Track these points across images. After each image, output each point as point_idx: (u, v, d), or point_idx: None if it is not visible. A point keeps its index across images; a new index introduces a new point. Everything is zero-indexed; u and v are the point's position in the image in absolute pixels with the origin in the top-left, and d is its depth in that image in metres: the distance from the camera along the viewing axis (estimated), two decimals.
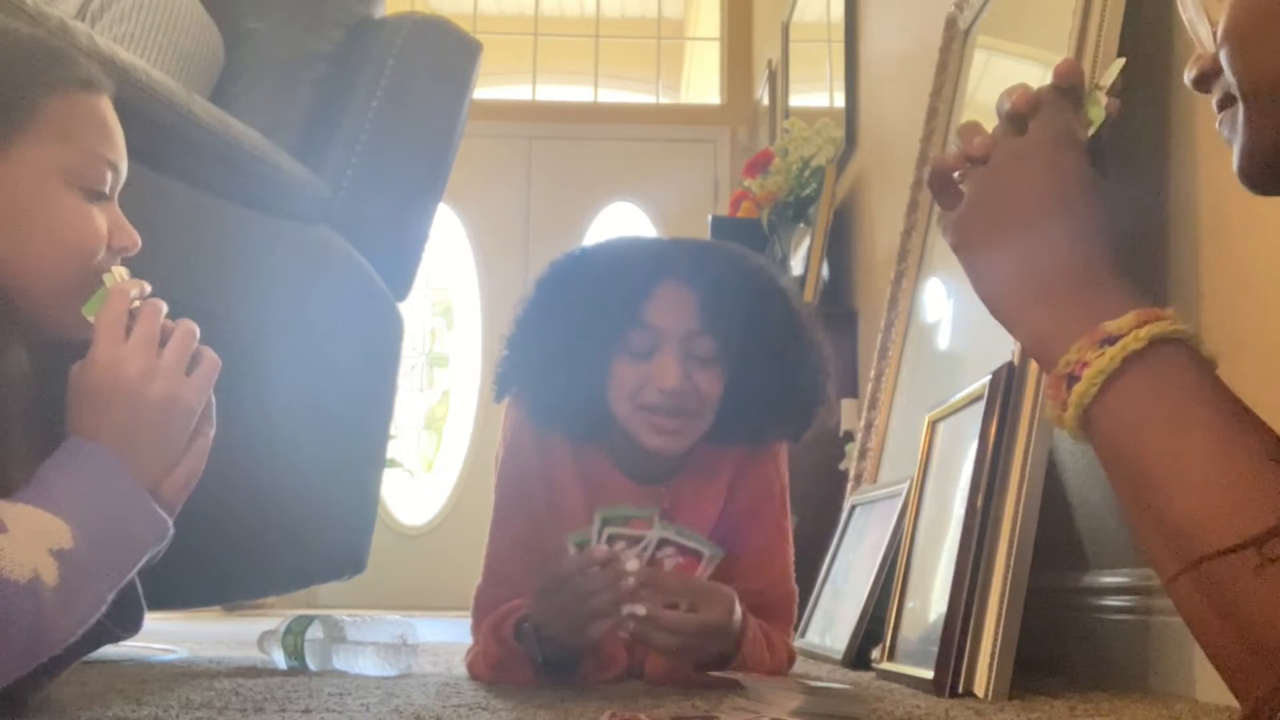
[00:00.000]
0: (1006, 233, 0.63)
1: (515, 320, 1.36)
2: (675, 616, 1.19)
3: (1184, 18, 0.62)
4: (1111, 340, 0.56)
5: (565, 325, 1.31)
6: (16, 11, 1.11)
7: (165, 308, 0.88)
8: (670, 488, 1.37)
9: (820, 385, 1.37)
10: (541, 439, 1.36)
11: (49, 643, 0.76)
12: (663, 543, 1.30)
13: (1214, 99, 0.60)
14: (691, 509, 1.36)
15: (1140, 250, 1.44)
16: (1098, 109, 0.66)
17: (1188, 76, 0.62)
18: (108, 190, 0.91)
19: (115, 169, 0.91)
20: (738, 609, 1.25)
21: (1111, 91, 0.66)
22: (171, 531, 0.86)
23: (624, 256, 1.34)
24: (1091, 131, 0.65)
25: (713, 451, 1.36)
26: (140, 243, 0.93)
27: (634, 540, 1.30)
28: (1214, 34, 0.57)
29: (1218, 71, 0.58)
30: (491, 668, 1.30)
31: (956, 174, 0.68)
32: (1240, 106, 0.57)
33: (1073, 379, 0.57)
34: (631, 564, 1.18)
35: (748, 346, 1.30)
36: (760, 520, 1.39)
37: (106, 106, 0.92)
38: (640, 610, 1.17)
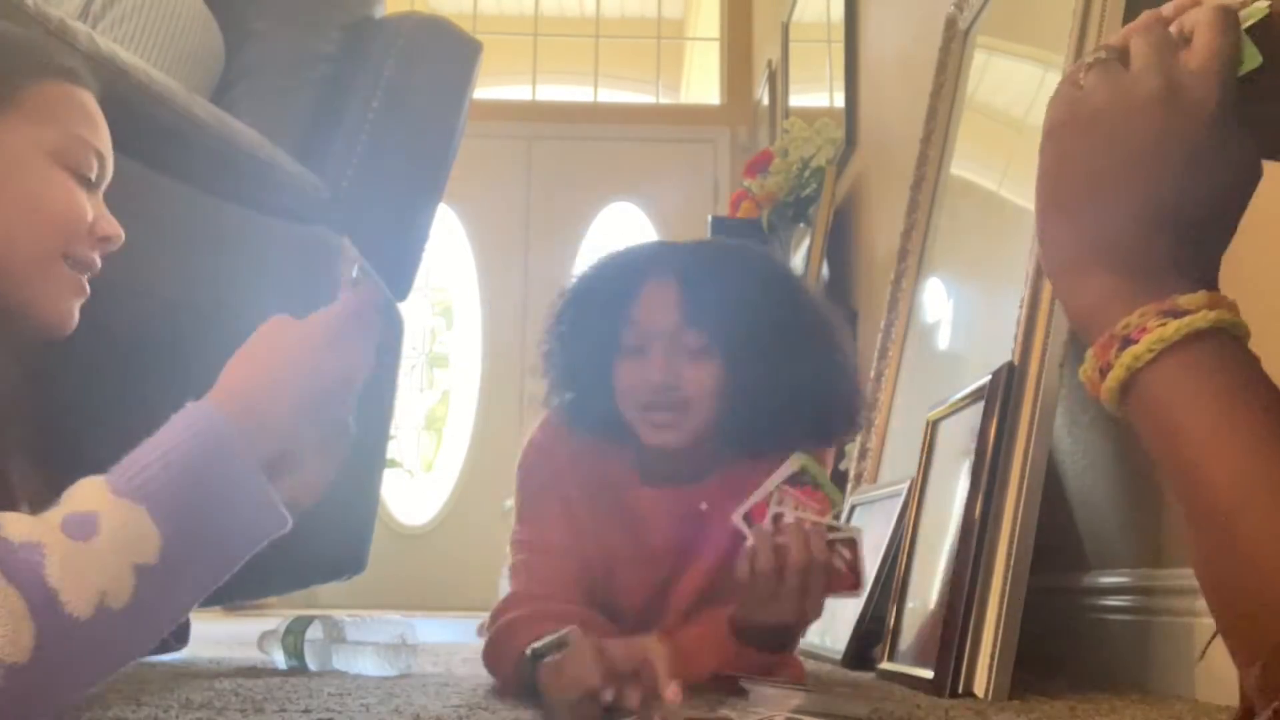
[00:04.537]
0: (1083, 191, 0.58)
1: (545, 329, 1.42)
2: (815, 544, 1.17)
3: None
4: (1178, 314, 0.54)
5: (576, 329, 1.38)
6: (16, 12, 1.11)
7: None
8: (703, 489, 1.36)
9: (841, 381, 1.35)
10: (571, 446, 1.38)
11: (106, 669, 0.70)
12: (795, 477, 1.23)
13: None
14: (728, 511, 1.35)
15: None
16: (1251, 49, 0.57)
17: None
18: (93, 178, 0.91)
19: (101, 159, 0.91)
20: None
21: (1254, 34, 0.57)
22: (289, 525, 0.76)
23: (619, 261, 1.41)
24: (1242, 72, 0.57)
25: (747, 458, 1.35)
26: (123, 235, 0.93)
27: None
28: None
29: None
30: (503, 683, 1.26)
31: (1092, 58, 0.60)
32: None
33: (1128, 341, 0.55)
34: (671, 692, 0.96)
35: (744, 338, 1.30)
36: None
37: (91, 99, 0.92)
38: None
